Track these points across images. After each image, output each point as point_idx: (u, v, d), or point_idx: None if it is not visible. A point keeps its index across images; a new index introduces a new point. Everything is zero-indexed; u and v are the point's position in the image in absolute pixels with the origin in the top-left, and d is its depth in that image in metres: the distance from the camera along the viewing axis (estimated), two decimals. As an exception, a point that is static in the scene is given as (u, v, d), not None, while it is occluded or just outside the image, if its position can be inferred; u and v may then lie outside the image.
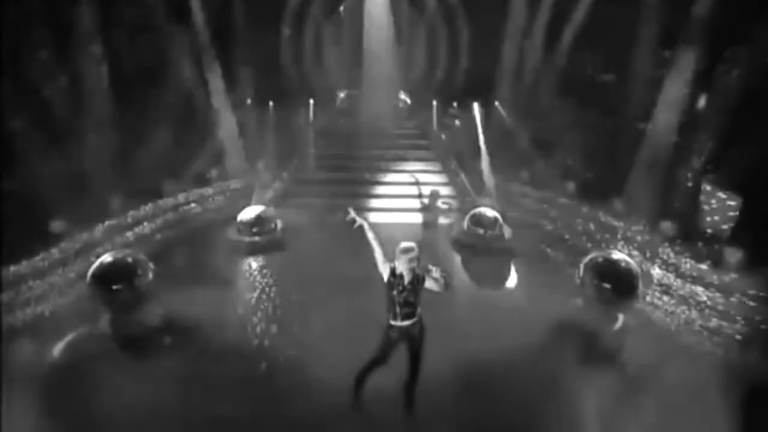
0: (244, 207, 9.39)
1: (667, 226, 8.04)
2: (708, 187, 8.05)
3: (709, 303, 6.80)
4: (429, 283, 4.74)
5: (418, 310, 4.84)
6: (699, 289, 6.89)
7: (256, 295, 7.43)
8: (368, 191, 10.98)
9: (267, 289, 7.59)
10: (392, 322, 4.85)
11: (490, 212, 9.39)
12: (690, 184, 8.02)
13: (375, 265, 4.80)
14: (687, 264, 7.23)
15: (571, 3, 10.37)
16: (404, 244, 4.70)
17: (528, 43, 11.52)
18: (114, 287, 6.17)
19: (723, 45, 7.94)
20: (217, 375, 5.64)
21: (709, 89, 8.01)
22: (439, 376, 5.52)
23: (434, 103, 12.74)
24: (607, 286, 6.34)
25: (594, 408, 5.28)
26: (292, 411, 5.23)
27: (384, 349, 4.94)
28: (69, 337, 6.19)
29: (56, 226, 7.66)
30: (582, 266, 6.62)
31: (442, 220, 10.46)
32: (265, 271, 8.25)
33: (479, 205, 9.67)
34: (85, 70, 8.65)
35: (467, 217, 9.43)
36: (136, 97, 9.34)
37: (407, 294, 4.72)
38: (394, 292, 4.72)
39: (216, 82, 10.66)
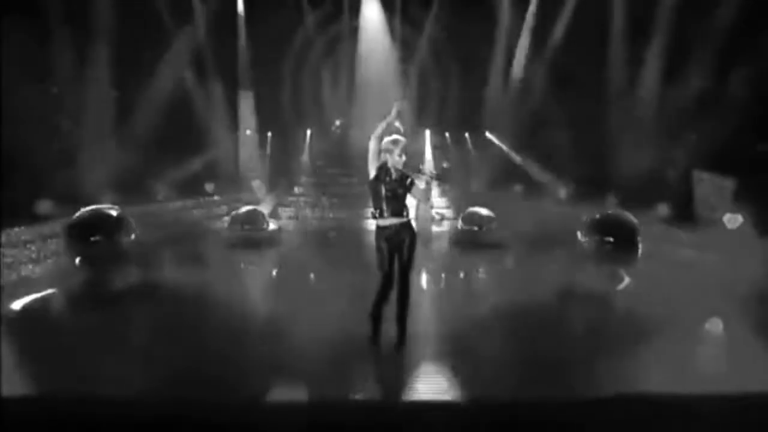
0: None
1: (663, 208, 7.92)
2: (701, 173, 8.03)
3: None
4: (418, 182, 4.57)
5: (406, 212, 4.61)
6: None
7: (239, 273, 7.11)
8: (359, 203, 10.94)
9: (251, 271, 7.30)
10: (380, 223, 4.55)
11: (483, 211, 9.31)
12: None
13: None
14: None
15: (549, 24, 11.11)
16: (393, 136, 4.58)
17: (513, 69, 12.10)
18: (92, 239, 5.90)
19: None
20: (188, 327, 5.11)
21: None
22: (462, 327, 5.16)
23: (427, 132, 13.07)
24: (609, 239, 6.13)
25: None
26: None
27: (381, 259, 4.61)
28: (37, 295, 5.78)
29: (43, 206, 7.41)
30: (583, 226, 6.44)
31: (435, 228, 10.36)
32: (251, 258, 8.00)
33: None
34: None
35: (461, 217, 9.35)
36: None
37: (394, 185, 4.49)
38: (381, 186, 4.50)
39: (219, 105, 11.26)
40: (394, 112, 4.65)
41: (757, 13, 7.17)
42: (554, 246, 7.83)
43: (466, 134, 13.13)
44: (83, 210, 6.11)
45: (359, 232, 9.95)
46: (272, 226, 9.33)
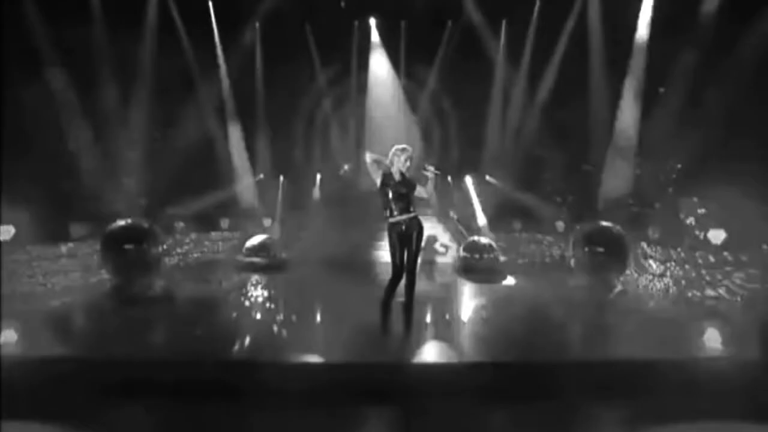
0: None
1: (653, 230, 8.44)
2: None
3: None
4: (419, 189, 5.22)
5: (413, 208, 5.21)
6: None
7: (251, 293, 7.56)
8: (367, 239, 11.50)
9: (262, 292, 7.75)
10: (391, 219, 5.18)
11: (483, 240, 9.83)
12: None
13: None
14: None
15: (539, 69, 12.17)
16: (400, 146, 5.27)
17: (509, 115, 13.05)
18: (125, 246, 6.46)
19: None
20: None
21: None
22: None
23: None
24: (600, 249, 6.63)
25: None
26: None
27: (393, 252, 5.17)
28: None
29: (76, 229, 8.00)
30: (572, 239, 6.95)
31: (440, 260, 10.83)
32: (263, 281, 8.44)
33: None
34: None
35: (463, 246, 9.85)
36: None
37: (399, 187, 5.14)
38: (388, 188, 5.15)
39: (238, 149, 12.18)
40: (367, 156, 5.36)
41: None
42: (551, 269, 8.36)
43: (467, 177, 13.86)
44: (119, 221, 6.72)
45: (363, 261, 10.46)
46: (284, 255, 9.86)
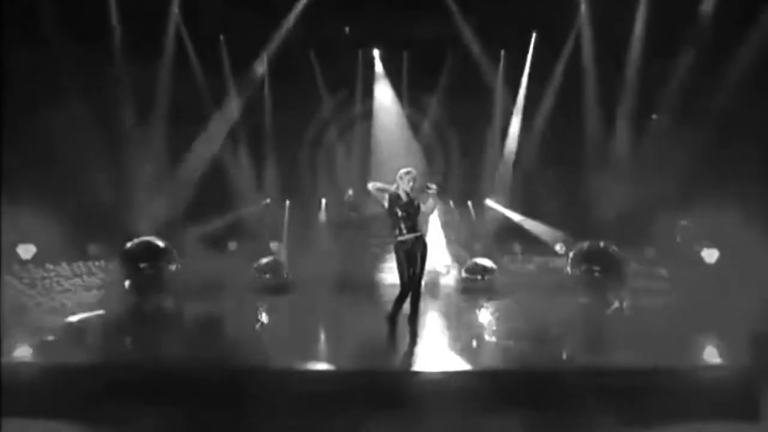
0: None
1: (650, 251, 8.73)
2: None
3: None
4: (423, 207, 5.56)
5: (419, 227, 5.53)
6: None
7: (259, 309, 7.85)
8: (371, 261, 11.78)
9: (269, 309, 8.05)
10: (399, 238, 5.51)
11: (484, 262, 10.14)
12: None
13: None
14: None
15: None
16: (406, 169, 5.63)
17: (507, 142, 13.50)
18: (141, 265, 6.77)
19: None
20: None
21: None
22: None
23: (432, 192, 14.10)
24: (597, 268, 6.92)
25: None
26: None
27: (401, 269, 5.50)
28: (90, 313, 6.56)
29: (92, 249, 8.33)
30: (570, 259, 7.25)
31: (443, 280, 11.11)
32: (270, 301, 8.74)
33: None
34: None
35: (464, 268, 10.15)
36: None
37: (406, 206, 5.47)
38: (396, 209, 5.48)
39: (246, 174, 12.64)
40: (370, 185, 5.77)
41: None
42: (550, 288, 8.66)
43: (469, 202, 14.20)
44: (135, 240, 7.06)
45: (368, 282, 10.75)
46: (291, 275, 10.16)
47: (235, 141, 13.07)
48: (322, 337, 6.06)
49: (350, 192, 15.41)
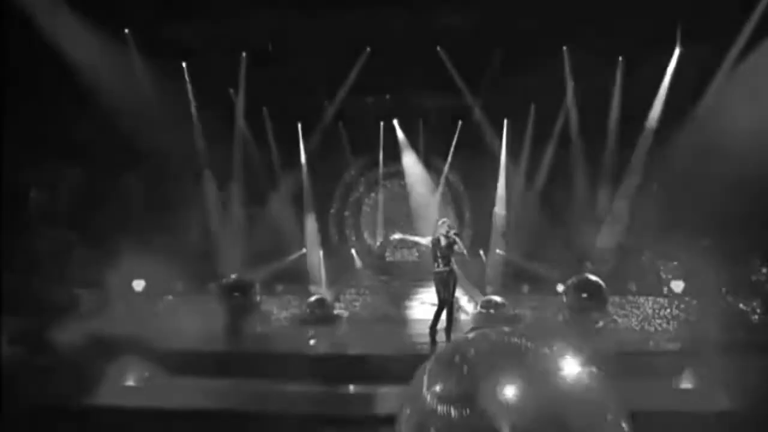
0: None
1: (632, 284, 10.74)
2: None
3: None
4: (457, 247, 7.67)
5: (452, 261, 7.61)
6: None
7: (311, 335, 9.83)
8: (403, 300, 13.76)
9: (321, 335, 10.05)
10: (435, 269, 7.57)
11: (496, 298, 12.10)
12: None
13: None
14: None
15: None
16: (442, 219, 7.78)
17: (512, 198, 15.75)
18: (234, 294, 8.87)
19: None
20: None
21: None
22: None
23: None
24: (585, 295, 8.91)
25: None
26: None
27: (438, 291, 7.52)
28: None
29: (138, 284, 10.34)
30: (564, 288, 9.27)
31: (462, 316, 13.02)
32: (320, 330, 10.70)
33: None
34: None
35: (479, 304, 12.12)
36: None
37: (443, 249, 7.57)
38: (437, 250, 7.59)
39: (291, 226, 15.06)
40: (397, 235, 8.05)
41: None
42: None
43: (480, 251, 16.27)
44: (231, 276, 9.20)
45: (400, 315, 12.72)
46: (336, 311, 12.16)
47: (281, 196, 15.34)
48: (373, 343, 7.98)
49: (378, 243, 17.62)
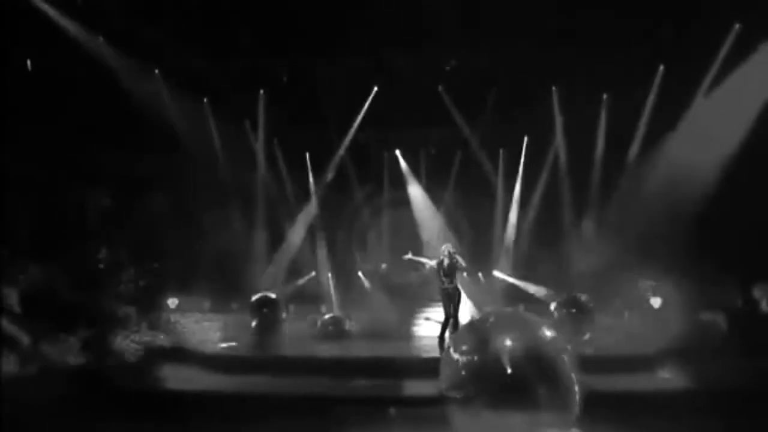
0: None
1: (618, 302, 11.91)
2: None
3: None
4: (458, 264, 8.85)
5: (455, 280, 8.78)
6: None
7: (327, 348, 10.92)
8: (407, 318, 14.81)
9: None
10: (441, 287, 8.74)
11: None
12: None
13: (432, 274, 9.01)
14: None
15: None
16: (446, 244, 8.98)
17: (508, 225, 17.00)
18: (263, 310, 9.99)
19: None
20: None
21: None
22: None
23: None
24: (573, 310, 10.08)
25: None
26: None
27: (444, 305, 8.68)
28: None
29: (172, 301, 11.45)
30: (554, 304, 10.45)
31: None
32: (334, 346, 11.75)
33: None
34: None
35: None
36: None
37: (447, 269, 8.76)
38: (441, 270, 8.77)
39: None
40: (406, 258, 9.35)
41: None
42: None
43: (479, 273, 17.39)
44: (260, 293, 10.35)
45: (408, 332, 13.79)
46: (348, 327, 13.18)
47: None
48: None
49: (383, 266, 18.73)
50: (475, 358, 2.83)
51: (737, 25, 11.29)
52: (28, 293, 6.59)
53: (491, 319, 3.12)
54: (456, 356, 3.08)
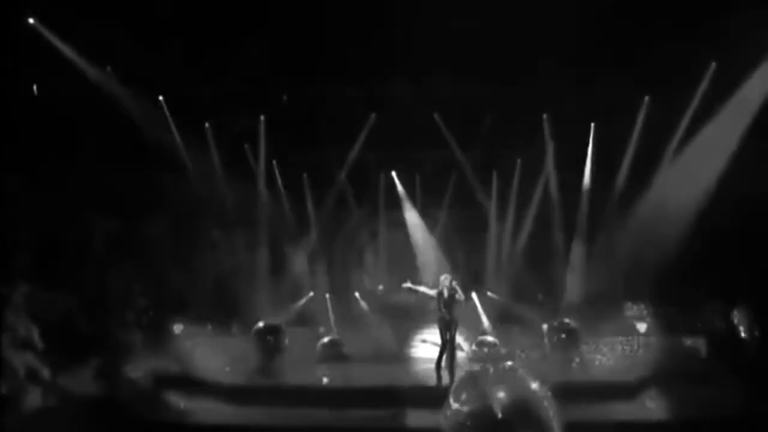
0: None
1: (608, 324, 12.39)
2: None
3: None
4: (457, 296, 9.29)
5: (454, 309, 9.23)
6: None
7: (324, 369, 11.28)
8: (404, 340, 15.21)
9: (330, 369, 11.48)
10: (439, 315, 9.19)
11: (489, 338, 13.63)
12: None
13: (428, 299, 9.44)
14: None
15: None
16: (445, 275, 9.43)
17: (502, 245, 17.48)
18: (268, 337, 10.38)
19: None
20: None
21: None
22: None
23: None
24: (563, 336, 10.55)
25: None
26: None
27: (442, 333, 9.12)
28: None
29: (177, 326, 11.80)
30: (545, 329, 10.91)
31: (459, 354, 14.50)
32: (331, 367, 12.14)
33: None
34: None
35: (474, 343, 13.63)
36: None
37: (446, 300, 9.21)
38: (441, 299, 9.22)
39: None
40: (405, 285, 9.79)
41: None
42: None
43: (473, 293, 17.81)
44: (265, 321, 10.75)
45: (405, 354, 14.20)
46: (345, 350, 13.58)
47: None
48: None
49: (380, 287, 19.10)
50: (473, 407, 3.24)
51: (713, 64, 11.90)
52: (49, 326, 6.94)
53: (489, 373, 3.56)
54: (456, 405, 3.50)
